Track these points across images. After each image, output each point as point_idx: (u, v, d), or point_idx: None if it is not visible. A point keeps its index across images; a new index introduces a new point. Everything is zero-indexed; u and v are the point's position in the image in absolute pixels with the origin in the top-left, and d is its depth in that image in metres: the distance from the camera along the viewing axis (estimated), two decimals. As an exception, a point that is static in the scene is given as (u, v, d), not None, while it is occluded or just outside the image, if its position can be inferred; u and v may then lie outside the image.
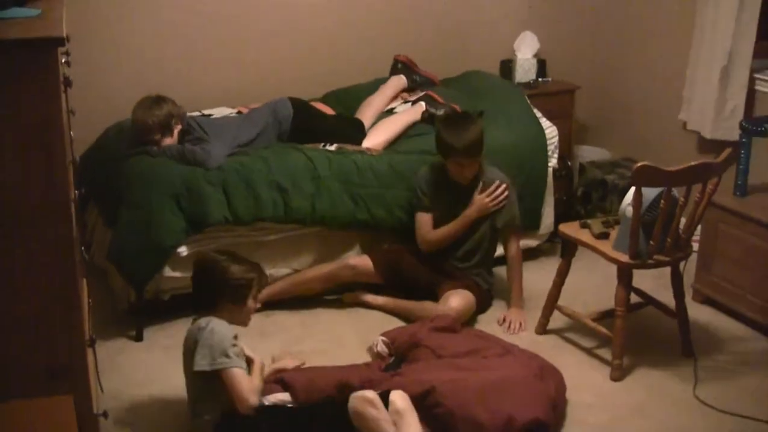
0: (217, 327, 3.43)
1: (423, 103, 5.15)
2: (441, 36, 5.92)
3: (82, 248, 3.30)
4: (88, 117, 4.70)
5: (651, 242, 3.91)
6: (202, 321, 3.46)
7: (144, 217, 4.29)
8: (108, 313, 4.49)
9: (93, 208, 4.77)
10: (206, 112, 5.08)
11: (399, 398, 3.42)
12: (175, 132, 4.61)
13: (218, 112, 5.11)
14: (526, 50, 5.96)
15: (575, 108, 6.07)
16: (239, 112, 5.11)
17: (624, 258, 3.96)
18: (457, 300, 4.37)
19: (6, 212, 2.60)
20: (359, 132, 4.94)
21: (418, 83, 5.50)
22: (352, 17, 5.73)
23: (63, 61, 3.06)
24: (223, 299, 3.55)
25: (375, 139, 4.87)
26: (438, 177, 4.56)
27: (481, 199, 4.49)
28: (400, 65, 5.57)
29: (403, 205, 4.70)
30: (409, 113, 5.10)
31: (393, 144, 4.96)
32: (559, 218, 5.14)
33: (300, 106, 4.93)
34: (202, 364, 3.38)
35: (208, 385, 3.44)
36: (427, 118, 5.08)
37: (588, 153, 6.01)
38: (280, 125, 4.84)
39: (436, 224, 4.55)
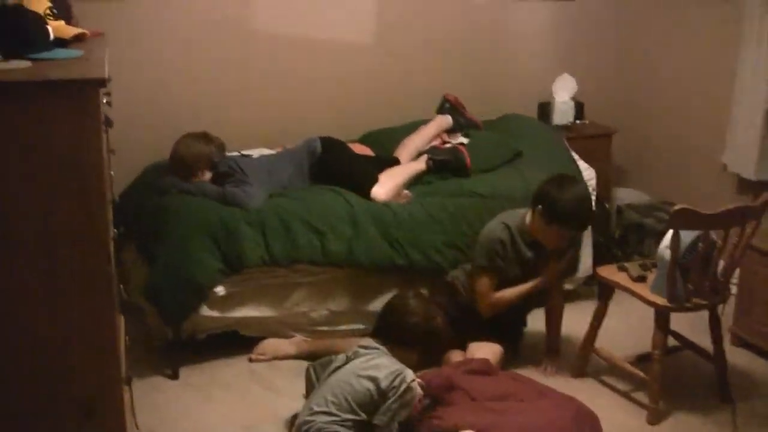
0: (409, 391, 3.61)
1: (425, 155, 5.15)
2: (480, 78, 5.96)
3: (120, 286, 3.31)
4: (128, 156, 4.75)
5: (689, 285, 3.88)
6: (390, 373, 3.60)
7: (180, 256, 4.32)
8: (144, 351, 4.49)
9: (131, 245, 4.79)
10: (245, 152, 5.12)
11: None
12: (208, 171, 4.68)
13: (257, 152, 5.15)
14: (563, 93, 5.97)
15: (613, 150, 6.06)
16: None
17: (661, 301, 3.93)
18: (483, 352, 4.29)
19: (47, 250, 2.61)
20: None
21: (462, 125, 5.50)
22: (392, 59, 5.78)
23: (104, 101, 3.11)
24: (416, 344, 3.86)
25: (383, 185, 4.83)
26: (516, 239, 4.29)
27: (559, 268, 4.37)
28: (448, 105, 5.56)
29: (439, 249, 4.68)
30: (413, 164, 5.09)
31: (413, 186, 4.98)
32: (597, 261, 5.13)
33: (329, 146, 4.94)
34: (383, 419, 3.55)
35: None
36: (431, 166, 5.08)
37: (626, 195, 5.99)
38: (311, 163, 4.87)
39: (500, 284, 4.35)
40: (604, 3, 6.26)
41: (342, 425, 3.55)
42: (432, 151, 5.17)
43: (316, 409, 3.60)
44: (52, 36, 3.02)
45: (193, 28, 5.26)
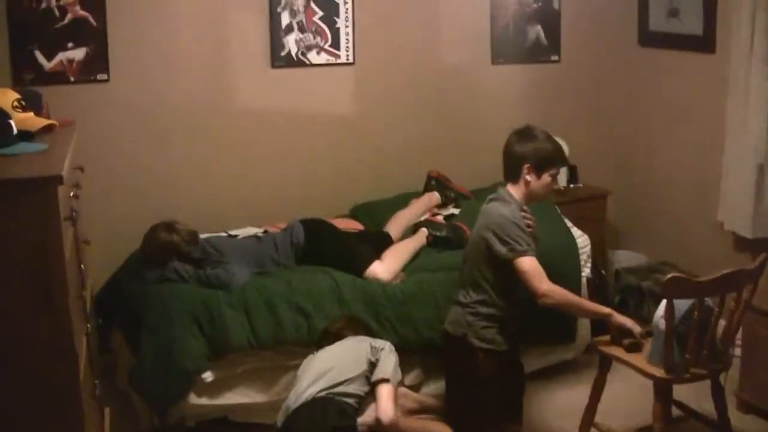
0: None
1: (424, 229, 5.08)
2: (468, 146, 5.91)
3: (96, 382, 3.21)
4: (111, 244, 4.80)
5: (687, 355, 3.76)
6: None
7: (164, 343, 4.22)
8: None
9: (118, 332, 4.69)
10: (232, 232, 5.05)
11: None
12: (179, 260, 4.60)
13: (244, 231, 5.07)
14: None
15: (608, 212, 6.00)
16: (265, 231, 5.06)
17: (659, 372, 3.80)
18: None
19: (9, 353, 2.53)
20: (377, 250, 4.84)
21: (451, 198, 5.47)
22: (376, 131, 5.75)
23: (71, 194, 3.03)
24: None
25: (388, 267, 4.73)
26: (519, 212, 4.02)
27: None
28: (434, 182, 5.55)
29: (431, 324, 4.54)
30: (415, 239, 5.01)
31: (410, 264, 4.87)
32: (597, 328, 4.95)
33: (313, 231, 4.88)
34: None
35: None
36: (432, 241, 5.02)
37: (623, 258, 5.90)
38: (295, 250, 4.80)
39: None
40: (591, 63, 6.24)
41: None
42: (431, 226, 5.10)
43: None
44: (15, 130, 2.95)
45: (174, 108, 5.23)
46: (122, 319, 4.55)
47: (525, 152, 4.00)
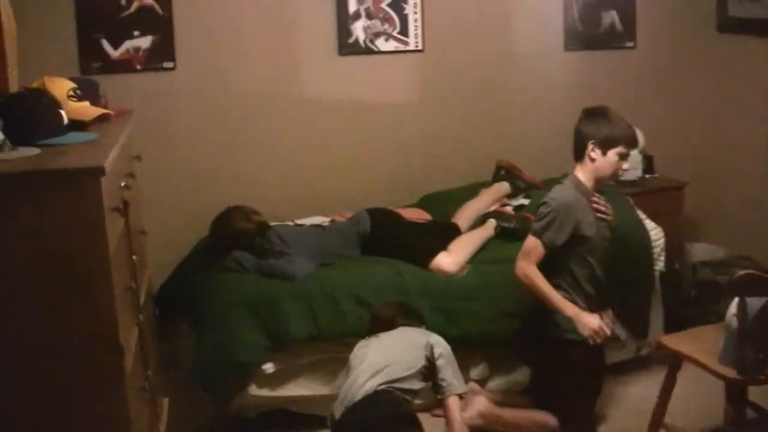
0: None
1: (492, 220, 4.97)
2: (538, 136, 5.77)
3: (149, 373, 3.17)
4: (176, 233, 4.86)
5: (760, 355, 3.59)
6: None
7: (224, 335, 4.18)
8: (197, 430, 4.38)
9: (184, 322, 4.67)
10: (299, 221, 5.00)
11: None
12: (250, 247, 4.57)
13: (311, 221, 5.01)
14: (630, 146, 5.71)
15: (686, 204, 5.79)
16: (332, 221, 5.01)
17: (731, 373, 3.64)
18: None
19: (50, 345, 2.50)
20: (444, 241, 4.74)
21: (521, 188, 5.36)
22: (445, 119, 5.64)
23: (122, 184, 3.00)
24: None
25: (455, 258, 4.64)
26: (581, 197, 4.06)
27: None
28: (503, 171, 5.42)
29: (497, 319, 4.44)
30: (482, 230, 4.91)
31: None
32: (670, 323, 4.88)
33: (379, 221, 4.82)
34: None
35: None
36: (500, 232, 4.90)
37: (700, 251, 5.68)
38: (360, 240, 4.75)
39: (593, 255, 4.07)
40: (667, 50, 6.03)
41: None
42: (500, 217, 4.99)
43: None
44: (66, 120, 2.92)
45: (240, 96, 5.19)
46: (185, 309, 4.53)
47: (592, 129, 4.02)
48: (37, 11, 4.55)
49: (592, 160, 4.01)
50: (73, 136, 2.89)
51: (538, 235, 3.97)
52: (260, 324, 4.21)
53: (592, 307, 4.06)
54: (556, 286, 3.99)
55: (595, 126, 4.00)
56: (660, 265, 4.90)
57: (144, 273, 3.57)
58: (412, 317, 4.20)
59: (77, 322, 2.49)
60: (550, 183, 5.31)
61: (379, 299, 4.33)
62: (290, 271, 4.37)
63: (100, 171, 2.41)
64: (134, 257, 3.06)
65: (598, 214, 4.07)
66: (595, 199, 4.07)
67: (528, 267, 3.97)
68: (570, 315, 3.93)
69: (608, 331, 3.96)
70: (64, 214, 2.43)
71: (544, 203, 4.01)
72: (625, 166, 4.06)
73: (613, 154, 3.99)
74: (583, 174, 4.06)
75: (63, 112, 2.94)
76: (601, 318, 3.97)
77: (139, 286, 3.18)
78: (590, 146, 4.00)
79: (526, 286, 4.00)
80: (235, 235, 4.57)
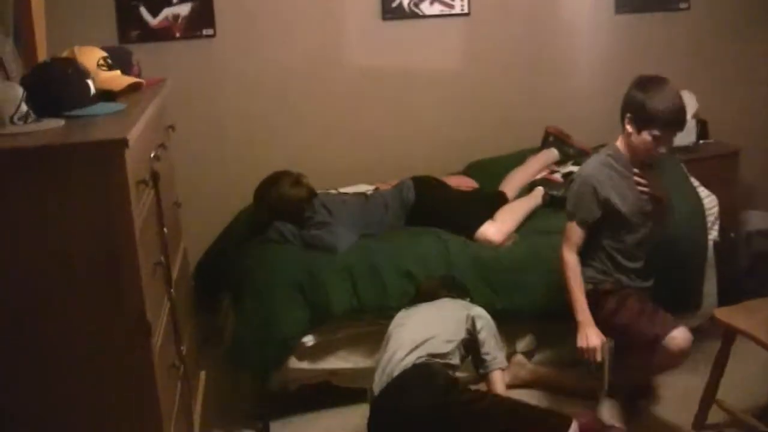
0: None
1: (541, 188, 4.85)
2: (587, 100, 5.61)
3: (182, 347, 3.11)
4: (217, 204, 4.85)
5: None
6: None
7: (265, 309, 4.11)
8: (236, 404, 4.32)
9: (227, 295, 4.60)
10: (343, 189, 4.92)
11: None
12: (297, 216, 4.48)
13: (355, 189, 4.93)
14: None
15: (741, 170, 5.62)
16: (377, 189, 4.92)
17: (788, 349, 3.49)
18: None
19: (77, 322, 2.43)
20: (490, 210, 4.62)
21: (570, 155, 5.22)
22: (491, 86, 5.52)
23: (152, 155, 2.91)
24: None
25: (501, 227, 4.52)
26: (614, 171, 3.91)
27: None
28: (551, 138, 5.30)
29: (545, 291, 4.31)
30: (530, 199, 4.79)
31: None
32: (724, 295, 4.68)
33: (423, 190, 4.70)
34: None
35: None
36: (548, 201, 4.77)
37: (757, 219, 5.50)
38: (405, 209, 4.63)
39: (627, 230, 3.93)
40: (723, 11, 5.82)
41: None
42: (548, 185, 4.87)
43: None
44: (93, 90, 2.84)
45: (281, 63, 5.12)
46: (226, 282, 4.48)
47: (633, 100, 3.81)
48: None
49: (628, 134, 3.84)
50: (101, 107, 2.80)
51: (570, 217, 3.89)
52: (301, 298, 4.12)
53: (637, 281, 3.96)
54: (590, 264, 3.92)
55: (638, 98, 3.78)
56: (714, 234, 4.72)
57: (178, 246, 3.50)
58: (457, 289, 4.08)
59: (103, 300, 2.41)
60: (600, 150, 5.18)
61: (423, 271, 4.23)
62: (332, 243, 4.27)
63: (123, 143, 2.31)
64: (165, 230, 2.97)
65: (639, 188, 3.89)
66: (636, 171, 3.89)
67: (567, 254, 3.89)
68: (578, 319, 3.85)
69: (598, 358, 3.80)
70: (87, 188, 2.34)
71: (572, 179, 3.90)
72: (661, 149, 3.83)
73: (647, 134, 3.77)
74: (621, 144, 3.91)
75: (90, 82, 2.85)
76: (603, 343, 3.81)
77: (171, 261, 3.10)
78: (626, 119, 3.82)
79: (561, 276, 3.92)
80: (285, 201, 4.48)
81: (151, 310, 2.52)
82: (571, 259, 3.88)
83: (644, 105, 3.74)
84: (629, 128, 3.81)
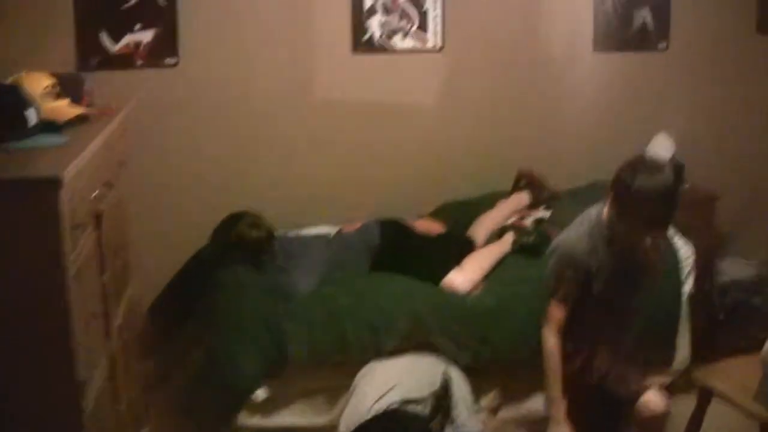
0: None
1: (510, 234, 4.66)
2: (561, 142, 5.46)
3: (121, 408, 2.89)
4: (174, 241, 4.63)
5: (799, 396, 3.27)
6: None
7: (216, 357, 3.91)
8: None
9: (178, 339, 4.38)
10: (305, 231, 4.75)
11: None
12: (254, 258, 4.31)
13: (318, 231, 4.76)
14: (660, 154, 5.36)
15: (717, 216, 5.45)
16: (340, 231, 4.73)
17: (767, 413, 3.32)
18: None
19: (8, 365, 2.22)
20: (457, 256, 4.43)
21: (543, 200, 5.06)
22: (462, 124, 5.35)
23: (93, 196, 2.70)
24: None
25: (468, 276, 4.33)
26: (601, 242, 3.60)
27: None
28: (524, 181, 5.15)
29: (513, 344, 4.13)
30: (499, 246, 4.60)
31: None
32: (699, 348, 4.54)
33: (389, 235, 4.51)
34: None
35: None
36: (518, 248, 4.58)
37: (732, 268, 5.31)
38: (369, 253, 4.44)
39: (603, 306, 3.68)
40: (703, 52, 5.67)
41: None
42: (518, 232, 4.68)
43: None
44: (34, 120, 2.64)
45: (247, 95, 4.91)
46: (179, 324, 4.28)
47: (617, 179, 3.52)
48: (34, 2, 4.35)
49: (608, 215, 3.60)
50: (40, 139, 2.61)
51: (552, 295, 3.66)
52: (255, 347, 3.92)
53: (622, 358, 3.76)
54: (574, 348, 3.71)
55: (623, 177, 3.47)
56: (688, 286, 4.55)
57: (123, 292, 3.28)
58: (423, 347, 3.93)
59: (29, 355, 2.20)
60: (575, 194, 5.04)
61: (387, 322, 4.04)
62: (290, 289, 4.10)
63: (57, 182, 2.12)
64: (104, 277, 2.76)
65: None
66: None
67: (548, 337, 3.66)
68: (550, 413, 3.64)
69: None
70: (13, 230, 2.14)
71: (552, 251, 3.70)
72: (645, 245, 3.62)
73: (626, 221, 3.51)
74: (608, 215, 3.63)
75: (33, 111, 2.65)
76: None
77: (111, 309, 2.89)
78: (610, 197, 3.57)
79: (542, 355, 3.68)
80: (243, 243, 4.31)
81: (82, 368, 2.31)
82: (550, 342, 3.65)
83: (629, 194, 3.44)
84: (611, 210, 3.57)
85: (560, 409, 3.60)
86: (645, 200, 3.38)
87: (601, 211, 3.66)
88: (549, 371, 3.64)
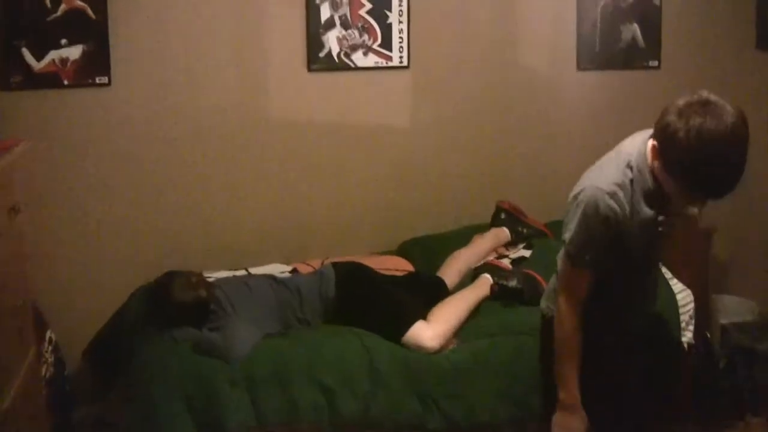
0: None
1: (488, 276, 4.19)
2: (551, 171, 5.09)
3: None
4: (114, 276, 4.41)
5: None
6: None
7: (146, 424, 3.46)
8: None
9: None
10: (253, 270, 4.36)
11: None
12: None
13: (268, 270, 4.36)
14: (650, 181, 4.99)
15: (713, 252, 5.14)
16: (294, 271, 4.35)
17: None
18: None
19: None
20: (425, 303, 3.99)
21: (524, 236, 4.66)
22: (439, 153, 4.99)
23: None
24: None
25: (437, 331, 3.83)
26: (635, 193, 2.83)
27: None
28: (503, 214, 4.77)
29: (488, 404, 3.70)
30: (475, 290, 4.13)
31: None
32: (699, 397, 4.33)
33: (345, 280, 4.06)
34: None
35: None
36: (497, 291, 4.10)
37: (731, 307, 4.97)
38: (324, 303, 4.00)
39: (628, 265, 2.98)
40: (697, 70, 5.28)
41: None
42: (497, 273, 4.22)
43: None
44: None
45: (188, 118, 4.52)
46: (116, 374, 3.90)
47: (659, 126, 2.76)
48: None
49: (654, 168, 2.80)
50: None
51: (574, 259, 2.92)
52: (191, 415, 3.48)
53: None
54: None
55: (667, 122, 2.70)
56: (688, 335, 4.14)
57: (26, 354, 2.76)
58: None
59: None
60: (558, 227, 4.56)
61: (343, 383, 3.61)
62: (225, 350, 3.63)
63: None
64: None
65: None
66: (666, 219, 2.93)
67: (567, 316, 2.93)
68: (560, 397, 2.98)
69: None
70: None
71: (575, 196, 2.94)
72: (690, 210, 3.03)
73: (675, 183, 2.72)
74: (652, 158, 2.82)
75: None
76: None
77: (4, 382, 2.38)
78: (651, 146, 2.80)
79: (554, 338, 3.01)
80: (185, 309, 3.87)
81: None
82: (569, 320, 2.94)
83: (674, 142, 2.68)
84: (655, 162, 2.79)
85: (574, 393, 2.97)
86: (705, 152, 2.64)
87: (643, 150, 2.91)
88: (564, 357, 2.97)
